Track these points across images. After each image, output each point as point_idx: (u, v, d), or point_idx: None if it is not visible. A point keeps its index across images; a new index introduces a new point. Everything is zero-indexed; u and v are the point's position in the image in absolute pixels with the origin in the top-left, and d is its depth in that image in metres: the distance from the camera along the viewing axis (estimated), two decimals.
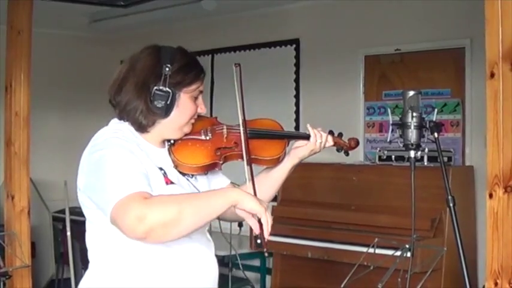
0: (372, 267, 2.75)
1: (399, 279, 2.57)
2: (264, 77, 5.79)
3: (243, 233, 5.20)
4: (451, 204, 2.31)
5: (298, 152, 2.31)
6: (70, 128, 6.79)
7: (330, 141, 2.35)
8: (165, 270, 2.06)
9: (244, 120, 2.16)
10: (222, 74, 6.02)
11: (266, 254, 1.95)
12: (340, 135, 2.40)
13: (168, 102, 2.07)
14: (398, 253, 2.66)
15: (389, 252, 2.79)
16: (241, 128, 2.15)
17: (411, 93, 2.44)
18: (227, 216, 2.21)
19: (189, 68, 2.12)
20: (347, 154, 2.41)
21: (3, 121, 4.27)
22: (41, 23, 4.59)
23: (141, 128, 2.12)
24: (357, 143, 2.41)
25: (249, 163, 2.11)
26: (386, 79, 5.11)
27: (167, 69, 2.07)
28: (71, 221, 5.49)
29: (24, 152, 4.21)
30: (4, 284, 4.05)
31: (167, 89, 2.07)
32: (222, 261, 4.46)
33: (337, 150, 2.41)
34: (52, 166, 6.56)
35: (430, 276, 2.74)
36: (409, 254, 2.61)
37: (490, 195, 2.66)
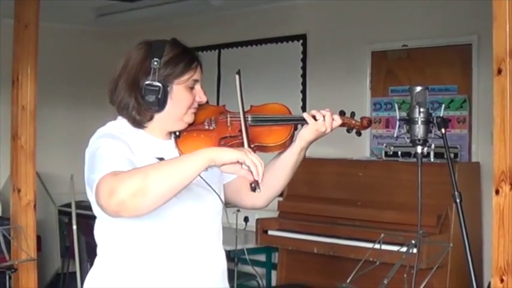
0: (377, 263, 2.74)
1: (405, 275, 2.57)
2: (271, 73, 5.78)
3: (248, 227, 5.20)
4: (458, 200, 2.30)
5: (303, 134, 2.27)
6: (76, 122, 6.78)
7: (338, 120, 2.26)
8: (174, 265, 2.07)
9: (245, 124, 2.14)
10: (228, 69, 6.00)
11: (259, 191, 1.92)
12: (353, 114, 2.34)
13: (160, 96, 2.07)
14: (404, 249, 2.65)
15: (395, 248, 2.78)
16: (244, 134, 2.13)
17: (418, 88, 2.42)
18: (228, 196, 2.25)
19: (178, 59, 2.11)
20: (359, 134, 2.34)
21: (10, 115, 4.28)
22: (47, 17, 4.60)
23: (137, 123, 2.12)
24: (370, 122, 2.35)
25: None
26: (393, 75, 5.10)
27: (155, 63, 2.07)
28: (77, 214, 5.50)
29: (30, 146, 4.23)
30: (10, 277, 4.07)
31: (157, 83, 2.06)
32: (227, 255, 4.45)
33: (348, 131, 2.34)
34: (58, 160, 6.56)
35: (436, 272, 2.73)
36: (415, 250, 2.60)
37: (497, 192, 2.66)
